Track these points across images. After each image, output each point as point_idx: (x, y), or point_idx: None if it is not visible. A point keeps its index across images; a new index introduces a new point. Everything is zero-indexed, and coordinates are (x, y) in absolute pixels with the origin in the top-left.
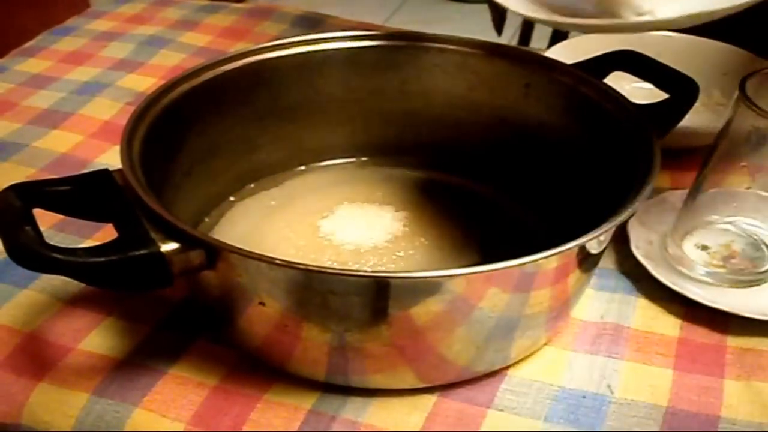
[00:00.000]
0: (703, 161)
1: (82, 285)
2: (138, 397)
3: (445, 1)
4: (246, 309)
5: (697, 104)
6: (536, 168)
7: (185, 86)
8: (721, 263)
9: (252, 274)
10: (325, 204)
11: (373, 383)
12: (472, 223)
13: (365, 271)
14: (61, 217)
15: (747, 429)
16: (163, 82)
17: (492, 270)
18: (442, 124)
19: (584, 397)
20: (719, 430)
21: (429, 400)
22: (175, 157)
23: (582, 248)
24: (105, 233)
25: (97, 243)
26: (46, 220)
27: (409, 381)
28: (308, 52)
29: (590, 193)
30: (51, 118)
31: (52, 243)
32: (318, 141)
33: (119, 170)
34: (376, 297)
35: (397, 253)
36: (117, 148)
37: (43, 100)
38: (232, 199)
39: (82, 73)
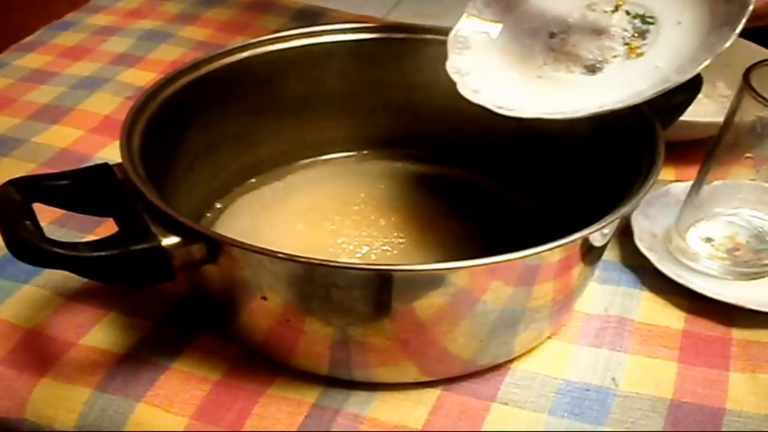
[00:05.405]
0: (707, 153)
1: (84, 280)
2: (141, 392)
3: None
4: (248, 303)
5: (700, 96)
6: (539, 160)
7: (185, 80)
8: (725, 255)
9: (254, 268)
10: (327, 198)
11: (377, 377)
12: (474, 216)
13: (368, 265)
14: (62, 212)
15: (752, 421)
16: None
17: (495, 262)
18: (444, 117)
19: (588, 390)
20: (724, 422)
21: (433, 394)
22: (175, 151)
23: (585, 240)
24: (106, 229)
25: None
26: (46, 216)
27: (412, 375)
28: (309, 45)
29: (594, 186)
30: (51, 113)
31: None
32: (319, 134)
33: (119, 164)
34: (379, 290)
35: (400, 247)
36: (117, 143)
37: (42, 95)
38: (233, 193)
39: (82, 68)
